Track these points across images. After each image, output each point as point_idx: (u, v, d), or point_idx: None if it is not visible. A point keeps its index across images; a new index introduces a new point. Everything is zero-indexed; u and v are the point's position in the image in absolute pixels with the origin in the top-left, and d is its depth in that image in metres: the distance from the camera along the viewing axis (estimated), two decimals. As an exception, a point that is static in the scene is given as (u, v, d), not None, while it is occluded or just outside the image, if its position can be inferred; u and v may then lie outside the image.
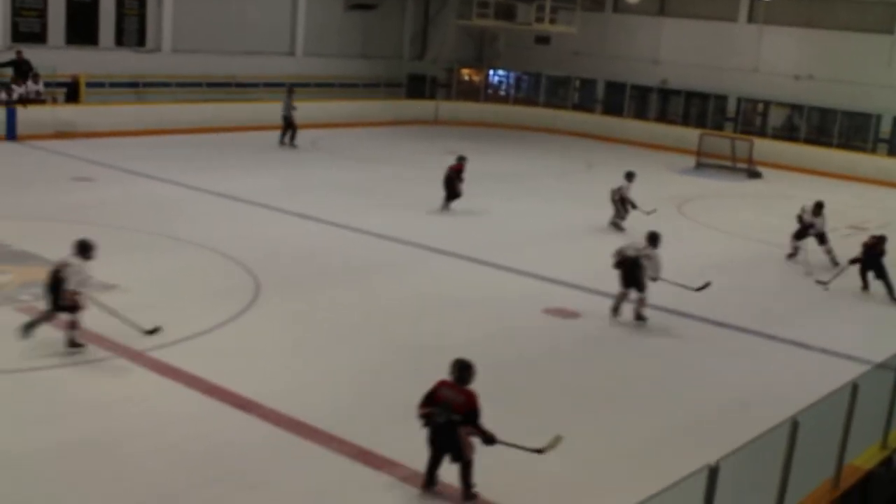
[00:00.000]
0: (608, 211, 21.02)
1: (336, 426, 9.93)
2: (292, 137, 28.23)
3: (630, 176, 20.43)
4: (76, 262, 11.60)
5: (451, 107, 37.78)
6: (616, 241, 18.15)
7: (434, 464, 8.74)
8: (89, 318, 12.37)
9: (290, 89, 27.44)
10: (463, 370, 8.67)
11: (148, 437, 9.47)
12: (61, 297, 11.19)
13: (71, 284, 11.31)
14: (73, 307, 11.32)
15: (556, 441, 8.78)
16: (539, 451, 8.76)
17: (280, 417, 10.07)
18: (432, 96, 39.62)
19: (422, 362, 12.10)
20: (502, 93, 42.02)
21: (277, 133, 28.79)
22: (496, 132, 34.84)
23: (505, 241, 18.75)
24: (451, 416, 8.46)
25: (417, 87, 39.85)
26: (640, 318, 14.23)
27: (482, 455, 9.66)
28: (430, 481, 8.80)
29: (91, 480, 8.62)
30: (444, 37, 40.58)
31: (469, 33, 41.27)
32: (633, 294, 14.23)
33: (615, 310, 14.32)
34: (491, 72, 42.17)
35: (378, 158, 27.93)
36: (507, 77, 42.26)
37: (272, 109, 31.60)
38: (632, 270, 14.10)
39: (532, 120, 37.85)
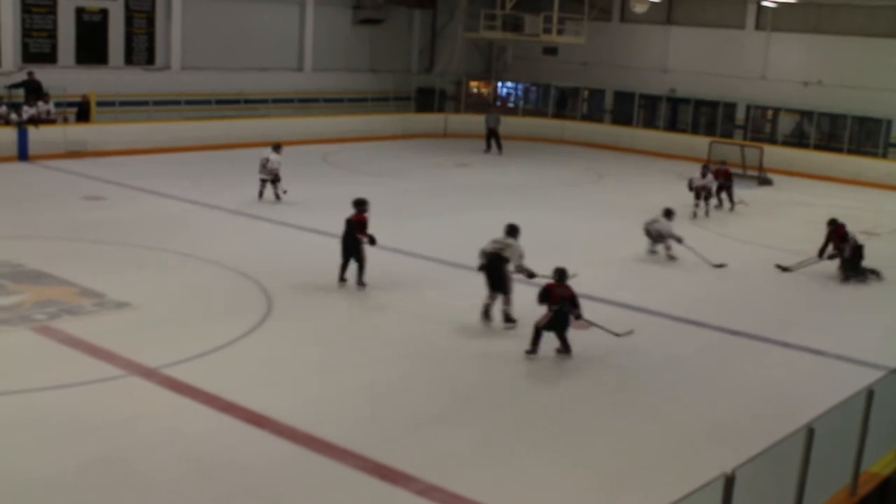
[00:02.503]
0: (619, 220, 21.00)
1: (351, 441, 9.92)
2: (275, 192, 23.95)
3: (669, 214, 19.02)
4: (511, 241, 14.05)
5: (461, 119, 37.84)
6: (642, 250, 18.21)
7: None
8: (100, 337, 12.44)
9: (278, 146, 25.60)
10: (562, 274, 12.96)
11: (164, 455, 9.48)
12: (503, 275, 13.70)
13: (514, 261, 13.88)
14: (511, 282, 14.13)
15: (630, 332, 13.07)
16: (617, 334, 12.96)
17: (295, 433, 10.07)
18: (441, 109, 39.70)
19: (434, 375, 12.15)
20: (511, 104, 42.07)
21: (288, 149, 28.73)
22: (506, 143, 34.86)
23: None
24: (563, 306, 12.64)
25: (426, 100, 39.93)
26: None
27: (494, 465, 9.70)
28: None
29: (111, 499, 8.64)
30: (452, 50, 40.66)
31: (477, 45, 41.36)
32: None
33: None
34: (499, 83, 42.24)
35: (388, 172, 27.98)
36: (516, 88, 42.33)
37: (281, 125, 31.84)
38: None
39: (541, 131, 37.89)
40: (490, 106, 38.56)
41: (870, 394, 8.88)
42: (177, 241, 17.89)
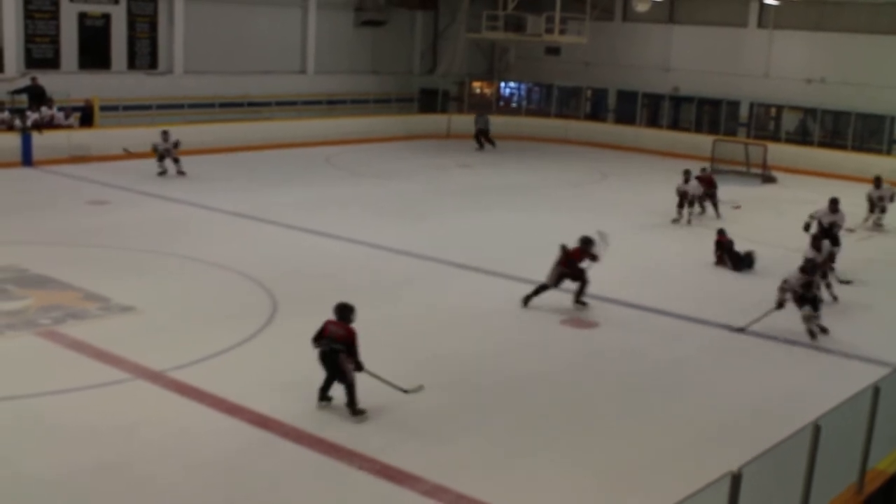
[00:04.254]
0: (623, 219, 20.93)
1: (357, 443, 9.94)
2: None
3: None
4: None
5: (464, 120, 37.82)
6: (647, 249, 18.20)
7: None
8: (105, 341, 12.46)
9: (166, 132, 25.47)
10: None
11: (170, 458, 9.49)
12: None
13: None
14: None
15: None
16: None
17: (301, 435, 10.08)
18: (444, 110, 39.69)
19: (440, 376, 12.13)
20: (514, 105, 42.06)
21: (291, 151, 28.90)
22: (509, 144, 34.85)
23: (520, 253, 18.74)
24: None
25: (429, 101, 39.92)
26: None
27: (501, 466, 9.71)
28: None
29: (117, 500, 8.65)
30: (454, 50, 40.64)
31: (479, 46, 41.35)
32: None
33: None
34: (502, 84, 42.23)
35: (392, 174, 27.99)
36: (519, 89, 42.32)
37: (285, 128, 31.85)
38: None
39: (544, 131, 37.83)
40: (479, 108, 38.32)
41: (876, 391, 8.87)
42: (180, 245, 17.90)
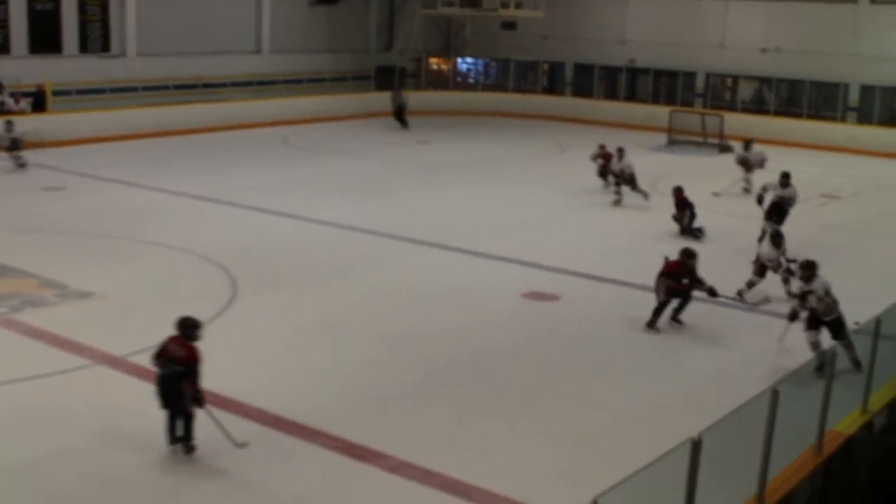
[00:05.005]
0: (582, 193, 21.01)
1: (321, 421, 9.93)
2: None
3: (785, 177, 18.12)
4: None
5: (421, 96, 37.73)
6: (604, 221, 18.27)
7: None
8: (64, 328, 12.35)
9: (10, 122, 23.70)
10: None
11: (133, 441, 9.45)
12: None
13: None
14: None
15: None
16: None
17: (264, 415, 10.06)
18: (401, 87, 39.56)
19: (404, 354, 12.16)
20: (471, 80, 41.98)
21: (248, 132, 28.68)
22: (467, 120, 34.83)
23: (480, 228, 18.78)
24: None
25: (386, 78, 39.74)
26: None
27: (467, 441, 9.73)
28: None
29: (87, 486, 8.60)
30: (410, 27, 40.50)
31: (435, 23, 41.22)
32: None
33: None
34: (459, 60, 42.14)
35: (350, 152, 27.88)
36: (476, 64, 42.24)
37: (241, 109, 31.63)
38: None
39: (502, 106, 37.81)
40: (396, 84, 37.78)
41: (833, 355, 8.99)
42: (139, 229, 17.74)
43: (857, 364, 11.00)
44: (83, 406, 10.22)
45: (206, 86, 33.63)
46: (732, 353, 12.65)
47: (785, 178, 18.22)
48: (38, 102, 28.15)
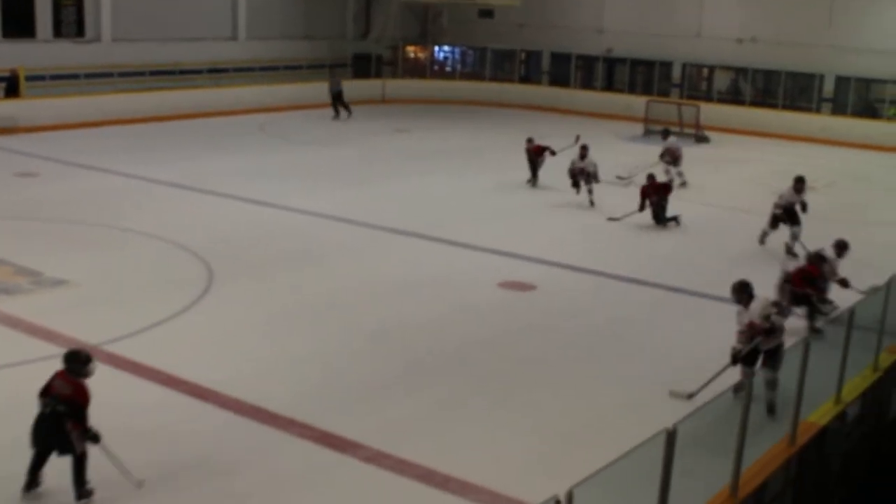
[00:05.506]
0: (557, 182, 21.03)
1: (297, 411, 9.91)
2: None
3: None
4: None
5: (398, 85, 37.64)
6: (582, 211, 18.30)
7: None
8: (38, 316, 12.26)
9: None
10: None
11: (112, 431, 9.32)
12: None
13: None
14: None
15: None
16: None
17: (240, 405, 10.03)
18: (378, 75, 39.42)
19: (382, 343, 12.16)
20: (448, 69, 41.92)
21: (224, 119, 28.50)
22: (443, 108, 34.78)
23: (457, 217, 18.78)
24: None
25: (363, 66, 39.59)
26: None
27: (444, 431, 9.73)
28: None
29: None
30: (387, 15, 40.35)
31: (412, 10, 41.10)
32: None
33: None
34: (436, 48, 42.05)
35: (326, 140, 27.80)
36: (453, 53, 42.17)
37: (216, 96, 31.45)
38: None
39: (479, 95, 37.76)
40: (333, 72, 37.15)
41: (807, 345, 9.06)
42: (114, 216, 17.63)
43: (771, 409, 9.67)
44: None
45: (183, 72, 33.40)
46: (711, 341, 12.69)
47: (800, 184, 17.28)
48: (11, 87, 27.88)
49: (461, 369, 11.52)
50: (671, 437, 6.69)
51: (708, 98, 35.39)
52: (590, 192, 20.35)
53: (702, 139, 30.30)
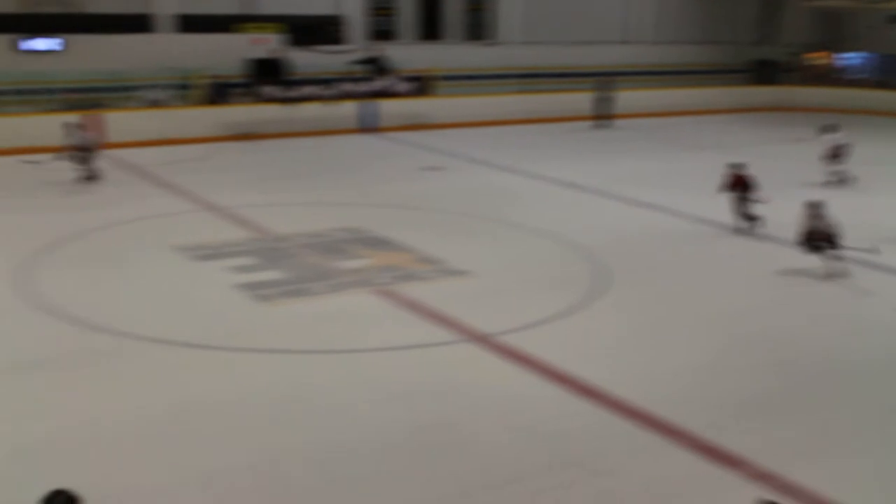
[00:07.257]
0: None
1: (678, 418, 9.67)
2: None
3: None
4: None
5: (800, 92, 36.06)
6: None
7: None
8: (437, 302, 12.89)
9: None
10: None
11: (494, 419, 9.60)
12: None
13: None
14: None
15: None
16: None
17: (622, 406, 9.94)
18: (778, 82, 38.01)
19: (767, 357, 11.55)
20: (852, 76, 39.48)
21: (619, 122, 28.71)
22: (850, 118, 32.82)
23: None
24: None
25: (765, 72, 38.28)
26: None
27: (838, 456, 9.14)
28: None
29: (439, 458, 8.84)
30: (789, 19, 38.82)
31: (818, 15, 39.21)
32: None
33: None
34: (841, 54, 39.78)
35: (717, 146, 27.12)
36: (858, 60, 39.65)
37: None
38: None
39: (886, 105, 35.27)
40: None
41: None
42: (508, 212, 18.26)
43: None
44: (449, 381, 10.55)
45: (570, 75, 33.89)
46: None
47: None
48: (422, 87, 29.75)
49: (854, 395, 10.72)
50: None
51: None
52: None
53: None
